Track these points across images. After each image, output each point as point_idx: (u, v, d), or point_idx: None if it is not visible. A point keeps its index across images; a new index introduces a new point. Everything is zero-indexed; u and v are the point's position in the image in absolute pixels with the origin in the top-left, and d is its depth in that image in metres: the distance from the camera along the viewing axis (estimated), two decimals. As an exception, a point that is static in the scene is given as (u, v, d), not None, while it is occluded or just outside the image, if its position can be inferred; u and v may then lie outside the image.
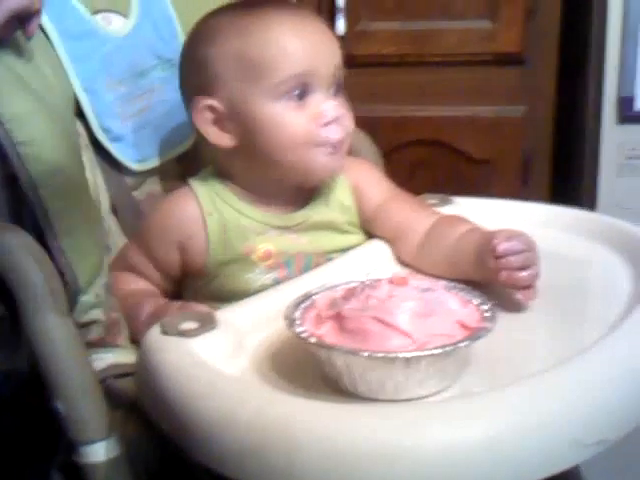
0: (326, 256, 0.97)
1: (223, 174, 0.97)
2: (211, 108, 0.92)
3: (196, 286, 0.97)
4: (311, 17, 0.97)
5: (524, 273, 0.81)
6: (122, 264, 0.98)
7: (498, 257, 0.81)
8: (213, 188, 0.96)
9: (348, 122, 0.94)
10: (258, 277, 0.94)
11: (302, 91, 0.90)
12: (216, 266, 0.94)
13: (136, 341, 0.89)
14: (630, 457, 1.07)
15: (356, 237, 1.01)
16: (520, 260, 0.81)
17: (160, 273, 0.97)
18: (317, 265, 0.96)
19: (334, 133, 0.91)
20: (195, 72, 0.95)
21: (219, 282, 0.95)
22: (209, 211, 0.94)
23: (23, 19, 0.84)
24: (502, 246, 0.82)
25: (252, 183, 0.96)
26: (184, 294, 0.99)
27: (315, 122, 0.91)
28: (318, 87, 0.91)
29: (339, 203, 1.00)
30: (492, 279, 0.83)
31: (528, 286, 0.82)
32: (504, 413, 0.61)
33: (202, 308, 0.84)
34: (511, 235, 0.83)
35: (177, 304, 0.90)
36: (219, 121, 0.93)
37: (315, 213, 0.98)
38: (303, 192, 0.98)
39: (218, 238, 0.93)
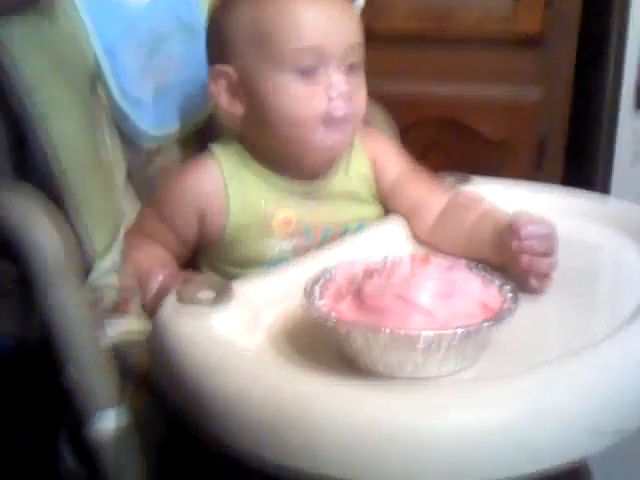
0: (344, 225, 0.97)
1: (243, 140, 0.97)
2: (225, 75, 0.93)
3: (213, 251, 0.97)
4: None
5: (545, 260, 0.81)
6: (137, 229, 0.97)
7: (521, 240, 0.81)
8: (235, 153, 0.96)
9: (358, 102, 0.93)
10: (277, 243, 0.94)
11: (311, 65, 0.90)
12: (235, 230, 0.94)
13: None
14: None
15: (374, 208, 1.01)
16: (543, 246, 0.81)
17: (176, 238, 0.96)
18: (334, 237, 0.96)
19: (338, 110, 0.91)
20: (214, 40, 0.96)
21: (237, 247, 0.94)
22: (230, 175, 0.94)
23: None
24: (526, 229, 0.81)
25: (267, 151, 0.96)
26: (200, 260, 0.99)
27: (320, 97, 0.90)
28: (329, 63, 0.90)
29: (358, 173, 1.00)
30: (509, 261, 0.82)
31: (545, 274, 0.81)
32: (521, 400, 0.61)
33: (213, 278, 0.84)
34: (534, 219, 0.82)
35: (185, 275, 0.89)
36: (231, 88, 0.93)
37: (335, 181, 0.98)
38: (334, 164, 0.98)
39: (239, 202, 0.93)
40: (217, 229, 0.94)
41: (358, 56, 0.94)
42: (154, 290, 0.87)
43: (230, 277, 0.91)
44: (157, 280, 0.88)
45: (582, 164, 1.71)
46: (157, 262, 0.93)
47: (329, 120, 0.91)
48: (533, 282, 0.81)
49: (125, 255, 0.91)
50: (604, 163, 1.60)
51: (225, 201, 0.94)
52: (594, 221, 0.99)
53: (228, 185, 0.94)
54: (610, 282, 0.92)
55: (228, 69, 0.93)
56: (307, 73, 0.90)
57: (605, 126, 1.60)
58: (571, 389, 0.63)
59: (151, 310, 0.84)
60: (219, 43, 0.94)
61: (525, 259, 0.81)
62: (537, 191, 1.07)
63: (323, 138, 0.92)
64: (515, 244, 0.81)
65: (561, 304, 0.81)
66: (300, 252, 0.94)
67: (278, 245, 0.94)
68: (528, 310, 0.77)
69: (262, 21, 0.91)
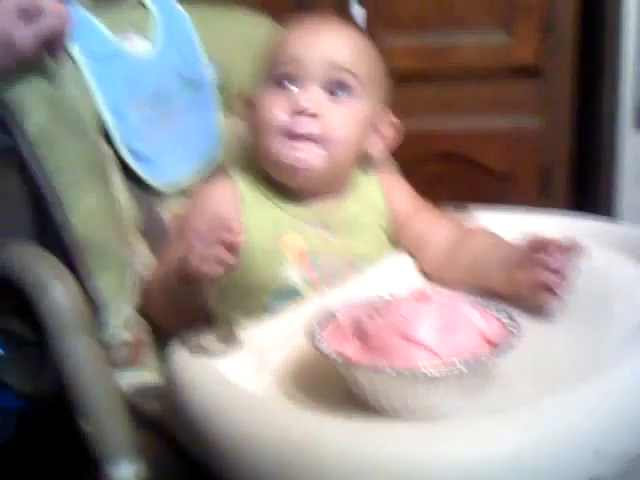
0: (353, 262, 0.98)
1: (261, 170, 1.00)
2: (248, 101, 1.01)
3: (226, 281, 0.97)
4: (335, 23, 1.00)
5: (557, 277, 0.82)
6: (158, 265, 0.97)
7: (540, 253, 0.82)
8: (250, 178, 0.99)
9: (334, 126, 0.95)
10: (286, 269, 0.95)
11: (287, 75, 0.95)
12: (248, 257, 0.94)
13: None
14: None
15: (384, 241, 1.02)
16: (558, 263, 0.82)
17: None
18: (343, 270, 0.97)
19: (298, 125, 0.93)
20: None
21: (248, 272, 0.95)
22: (245, 200, 0.97)
23: (52, 42, 0.85)
24: (547, 244, 0.83)
25: (266, 170, 0.99)
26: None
27: (283, 107, 0.94)
28: (305, 79, 0.94)
29: (373, 205, 1.02)
30: (517, 285, 0.84)
31: (554, 292, 0.83)
32: (528, 429, 0.62)
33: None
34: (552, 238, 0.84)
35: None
36: (248, 107, 1.01)
37: (348, 210, 1.00)
38: (334, 188, 1.00)
39: (253, 228, 0.95)
40: None
41: (346, 80, 0.96)
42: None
43: (240, 310, 0.94)
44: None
45: (587, 190, 1.71)
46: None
47: (287, 134, 0.94)
48: (541, 300, 0.83)
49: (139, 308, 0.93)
50: (608, 186, 1.60)
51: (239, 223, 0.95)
52: (600, 245, 0.99)
53: (243, 210, 0.96)
54: (616, 307, 0.91)
55: (248, 96, 1.01)
56: (282, 84, 0.95)
57: (607, 150, 1.60)
58: (577, 415, 0.63)
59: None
60: None
61: (539, 273, 0.82)
62: (542, 217, 1.09)
63: (282, 151, 0.94)
64: (533, 257, 0.82)
65: (568, 330, 0.82)
66: (309, 279, 0.96)
67: (288, 271, 0.95)
68: (536, 336, 0.78)
69: (273, 44, 0.99)
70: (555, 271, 0.82)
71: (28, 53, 0.82)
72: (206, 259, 0.82)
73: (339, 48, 0.97)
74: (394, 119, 1.04)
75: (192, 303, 0.92)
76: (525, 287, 0.84)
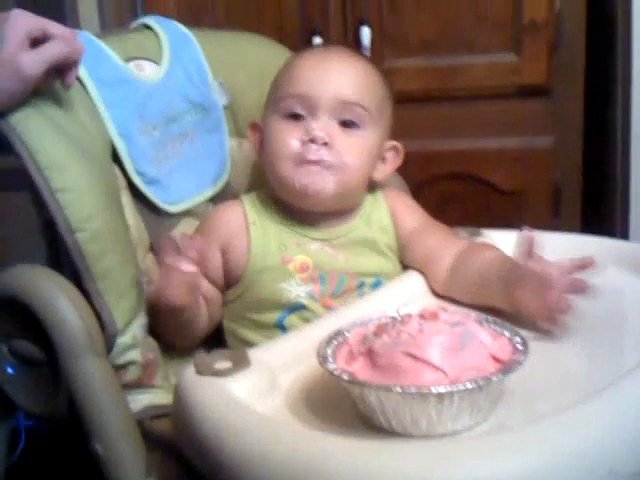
0: (359, 278, 1.00)
1: (271, 195, 1.03)
2: (255, 126, 1.06)
3: (233, 296, 1.00)
4: (344, 55, 1.03)
5: (567, 298, 0.81)
6: None
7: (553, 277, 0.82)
8: (260, 201, 1.04)
9: (346, 155, 0.98)
10: (293, 288, 0.97)
11: (298, 110, 0.98)
12: (254, 273, 0.98)
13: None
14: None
15: (391, 262, 1.04)
16: (571, 284, 0.82)
17: (205, 279, 0.99)
18: (349, 287, 0.98)
19: (309, 153, 0.97)
20: None
21: (255, 290, 0.98)
22: (253, 219, 1.01)
23: (62, 69, 0.86)
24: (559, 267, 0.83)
25: (276, 192, 1.02)
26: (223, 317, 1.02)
27: (295, 137, 0.97)
28: (316, 112, 0.98)
29: (380, 224, 1.04)
30: (524, 304, 0.84)
31: (558, 313, 0.82)
32: (538, 447, 0.61)
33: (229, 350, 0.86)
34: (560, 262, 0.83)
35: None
36: (260, 137, 1.05)
37: (355, 230, 1.03)
38: (342, 210, 1.03)
39: (259, 245, 0.99)
40: (238, 271, 0.99)
41: (356, 115, 0.99)
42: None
43: (249, 327, 0.97)
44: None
45: (600, 208, 1.71)
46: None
47: (300, 161, 0.97)
48: (549, 321, 0.83)
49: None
50: (621, 206, 1.60)
51: (247, 242, 0.99)
52: (612, 264, 0.99)
53: (250, 228, 1.00)
54: (628, 326, 0.91)
55: (258, 121, 1.04)
56: (293, 117, 0.99)
57: (619, 169, 1.60)
58: (589, 433, 0.63)
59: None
60: None
61: (551, 294, 0.82)
62: (554, 237, 1.08)
63: (294, 177, 0.97)
64: (547, 279, 0.82)
65: (579, 349, 0.82)
66: (316, 297, 0.97)
67: (295, 290, 0.97)
68: (546, 355, 0.78)
69: (278, 75, 1.04)
70: (566, 291, 0.82)
71: (36, 79, 0.82)
72: (167, 286, 0.88)
73: (348, 83, 1.00)
74: (397, 144, 1.07)
75: (185, 329, 0.95)
76: (526, 310, 0.85)
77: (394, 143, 1.06)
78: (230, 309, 1.01)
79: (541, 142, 1.62)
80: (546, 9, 1.56)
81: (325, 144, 0.96)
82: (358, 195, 1.05)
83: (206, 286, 0.99)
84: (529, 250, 0.85)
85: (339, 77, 1.00)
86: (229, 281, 1.01)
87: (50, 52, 0.83)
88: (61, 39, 0.84)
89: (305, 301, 0.97)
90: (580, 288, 0.81)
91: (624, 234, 1.57)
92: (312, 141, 0.96)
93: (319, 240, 1.01)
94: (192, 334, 0.98)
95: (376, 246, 1.03)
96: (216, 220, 1.03)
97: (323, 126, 0.97)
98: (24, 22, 0.82)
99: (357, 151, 0.99)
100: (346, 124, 0.99)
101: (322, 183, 0.97)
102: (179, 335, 0.97)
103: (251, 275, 0.98)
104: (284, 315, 0.98)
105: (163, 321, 0.94)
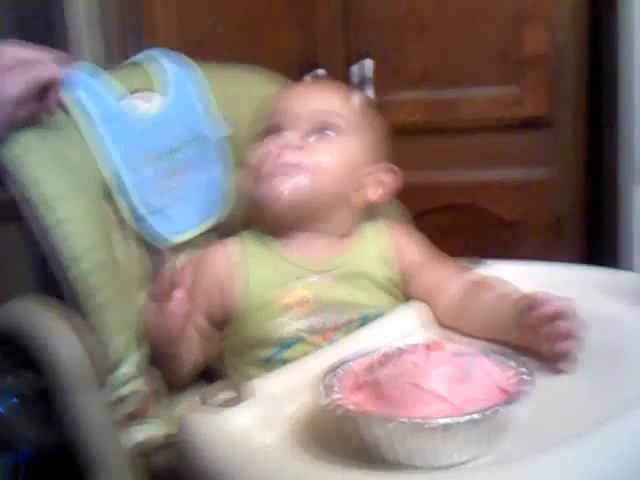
0: (360, 311, 0.99)
1: (266, 226, 1.03)
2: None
3: (231, 332, 0.99)
4: (325, 84, 1.08)
5: (567, 342, 0.81)
6: None
7: (543, 325, 0.81)
8: (258, 236, 1.03)
9: (318, 159, 0.99)
10: (293, 322, 0.96)
11: (274, 126, 1.01)
12: (254, 308, 0.97)
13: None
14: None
15: (392, 295, 1.03)
16: (565, 328, 0.81)
17: (203, 317, 0.99)
18: (350, 320, 0.98)
19: (285, 155, 0.99)
20: None
21: (255, 325, 0.97)
22: (252, 254, 1.00)
23: (46, 91, 0.87)
24: (549, 310, 0.82)
25: (277, 226, 1.02)
26: (223, 355, 1.01)
27: (274, 146, 1.00)
28: (290, 124, 1.00)
29: (382, 257, 1.04)
30: (530, 341, 0.83)
31: (567, 355, 0.82)
32: (543, 479, 0.61)
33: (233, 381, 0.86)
34: (553, 301, 0.82)
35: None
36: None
37: (355, 261, 1.02)
38: (336, 237, 1.03)
39: (257, 281, 0.98)
40: (237, 306, 0.98)
41: (331, 122, 1.01)
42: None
43: (249, 361, 0.96)
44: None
45: (602, 238, 1.71)
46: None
47: (273, 169, 0.99)
48: (556, 362, 0.82)
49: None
50: (624, 236, 1.60)
51: (245, 278, 0.98)
52: (613, 295, 0.99)
53: (249, 263, 0.99)
54: (632, 357, 0.90)
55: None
56: (270, 133, 1.01)
57: (621, 199, 1.60)
58: (594, 464, 0.63)
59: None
60: None
61: (548, 344, 0.81)
62: (555, 268, 1.09)
63: (268, 185, 0.99)
64: (543, 330, 0.81)
65: (584, 380, 0.81)
66: (316, 331, 0.97)
67: (295, 323, 0.96)
68: (551, 386, 0.78)
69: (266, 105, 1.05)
70: (563, 337, 0.81)
71: (17, 99, 0.83)
72: (158, 316, 0.89)
73: (323, 98, 1.03)
74: (393, 166, 1.07)
75: (176, 362, 0.95)
76: (535, 349, 0.84)
77: (390, 165, 1.07)
78: (230, 344, 1.00)
79: (542, 173, 1.63)
80: (547, 41, 1.58)
81: (299, 147, 0.99)
82: (344, 214, 1.04)
83: (201, 322, 0.98)
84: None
85: (315, 94, 1.04)
86: (227, 317, 0.99)
87: (30, 73, 0.83)
88: (42, 62, 0.85)
89: (305, 334, 0.96)
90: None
91: (626, 265, 1.57)
92: (286, 146, 0.99)
93: (318, 272, 1.00)
94: (182, 368, 0.97)
95: (376, 279, 1.02)
96: (215, 259, 1.01)
97: (297, 133, 1.00)
98: (9, 50, 0.83)
99: (332, 153, 1.01)
100: (322, 131, 1.01)
101: (297, 182, 0.98)
102: (169, 370, 0.96)
103: (250, 311, 0.97)
104: (283, 349, 0.96)
105: (156, 354, 0.94)
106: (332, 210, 1.02)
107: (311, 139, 1.00)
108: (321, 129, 1.01)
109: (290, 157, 0.98)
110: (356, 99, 1.07)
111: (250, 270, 0.99)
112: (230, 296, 0.98)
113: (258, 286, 0.98)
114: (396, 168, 1.07)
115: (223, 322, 1.00)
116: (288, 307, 0.97)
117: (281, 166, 0.98)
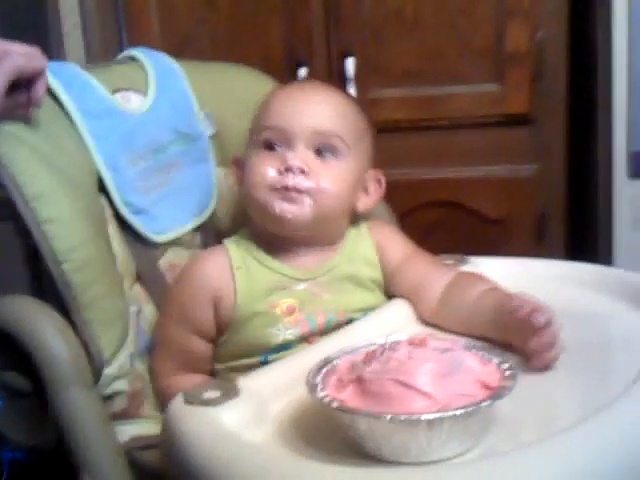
0: (347, 315, 0.99)
1: (254, 232, 1.03)
2: (238, 162, 1.06)
3: (221, 341, 0.99)
4: (319, 89, 1.04)
5: (552, 352, 0.81)
6: (165, 355, 0.99)
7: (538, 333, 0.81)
8: (244, 245, 1.02)
9: (322, 182, 0.98)
10: (281, 332, 0.96)
11: (274, 141, 0.99)
12: (242, 320, 0.97)
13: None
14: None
15: (377, 297, 1.03)
16: (551, 337, 0.81)
17: (197, 336, 0.99)
18: (338, 324, 0.98)
19: (286, 180, 0.96)
20: None
21: (243, 336, 0.97)
22: (238, 265, 0.99)
23: (26, 82, 0.86)
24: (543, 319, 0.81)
25: (267, 233, 1.01)
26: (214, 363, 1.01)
27: (272, 167, 0.97)
28: (292, 142, 0.98)
29: (364, 258, 1.03)
30: (511, 340, 0.84)
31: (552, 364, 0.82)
32: (528, 473, 0.61)
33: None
34: (539, 308, 0.82)
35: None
36: (238, 167, 1.05)
37: (339, 265, 1.02)
38: (324, 242, 1.02)
39: (246, 292, 0.97)
40: (227, 319, 0.97)
41: (332, 145, 0.99)
42: None
43: (237, 369, 0.95)
44: None
45: (584, 235, 1.72)
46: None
47: (277, 187, 0.97)
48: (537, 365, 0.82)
49: (138, 361, 0.94)
50: (605, 233, 1.61)
51: (233, 289, 0.97)
52: (597, 290, 1.00)
53: (236, 274, 0.98)
54: (615, 352, 0.92)
55: (240, 157, 1.04)
56: (270, 147, 0.99)
57: (602, 196, 1.61)
58: (578, 459, 0.63)
59: None
60: None
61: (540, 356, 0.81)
62: (539, 264, 1.09)
63: (273, 203, 0.97)
64: (533, 342, 0.81)
65: (567, 375, 0.82)
66: (305, 339, 0.96)
67: (283, 334, 0.96)
68: (535, 381, 0.78)
69: (257, 109, 1.03)
70: (546, 348, 0.81)
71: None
72: None
73: (323, 114, 1.00)
74: (379, 175, 1.07)
75: None
76: (518, 348, 0.84)
77: (376, 174, 1.06)
78: (219, 352, 1.00)
79: (525, 170, 1.64)
80: (528, 39, 1.58)
81: (302, 172, 0.96)
82: (339, 225, 1.04)
83: (197, 344, 0.99)
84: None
85: (314, 108, 1.00)
86: (218, 328, 0.99)
87: (8, 64, 0.82)
88: (22, 55, 0.83)
89: (293, 342, 0.96)
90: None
91: (608, 260, 1.58)
92: (289, 170, 0.96)
93: (304, 280, 0.99)
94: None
95: (361, 281, 1.02)
96: (203, 273, 1.00)
97: (300, 155, 0.97)
98: None
99: (334, 177, 0.99)
100: (322, 153, 0.99)
101: (301, 208, 0.97)
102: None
103: (239, 321, 0.97)
104: (270, 354, 0.96)
105: None
106: (326, 227, 1.02)
107: (313, 161, 0.98)
108: (323, 150, 0.99)
109: (294, 181, 0.96)
110: (354, 109, 1.04)
111: (238, 281, 0.98)
112: (222, 309, 0.97)
113: (246, 298, 0.97)
114: (382, 177, 1.07)
115: (217, 335, 0.99)
116: (276, 317, 0.96)
117: (284, 191, 0.96)
